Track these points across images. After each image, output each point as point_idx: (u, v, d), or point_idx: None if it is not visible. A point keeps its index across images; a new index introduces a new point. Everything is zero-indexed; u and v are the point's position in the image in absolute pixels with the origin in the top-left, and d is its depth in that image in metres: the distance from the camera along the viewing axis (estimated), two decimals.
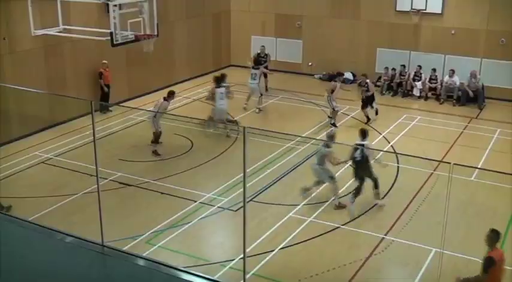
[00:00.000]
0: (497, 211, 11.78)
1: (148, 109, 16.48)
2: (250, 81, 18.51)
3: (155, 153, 14.46)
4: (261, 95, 18.63)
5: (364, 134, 11.87)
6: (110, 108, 17.53)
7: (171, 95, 14.84)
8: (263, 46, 20.61)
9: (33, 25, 14.49)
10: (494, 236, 7.62)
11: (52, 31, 14.92)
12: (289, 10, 22.60)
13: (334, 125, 16.67)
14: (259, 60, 20.20)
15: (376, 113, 17.45)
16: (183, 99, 19.16)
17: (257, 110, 18.38)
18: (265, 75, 20.29)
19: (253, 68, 18.79)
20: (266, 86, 20.42)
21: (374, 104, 17.40)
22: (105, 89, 17.62)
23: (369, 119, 17.16)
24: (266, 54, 20.41)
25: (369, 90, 17.11)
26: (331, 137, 11.92)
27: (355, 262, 9.85)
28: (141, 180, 13.05)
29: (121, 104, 18.30)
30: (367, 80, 17.18)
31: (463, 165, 13.08)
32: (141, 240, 10.48)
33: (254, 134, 14.31)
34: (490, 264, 7.46)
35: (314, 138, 15.86)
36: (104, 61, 17.54)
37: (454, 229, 10.71)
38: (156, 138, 14.55)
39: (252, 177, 12.89)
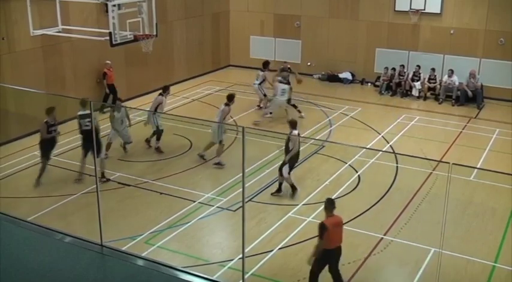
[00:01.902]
0: (496, 211, 11.80)
1: (147, 109, 16.49)
2: (254, 82, 18.23)
3: (158, 150, 14.57)
4: (265, 95, 18.00)
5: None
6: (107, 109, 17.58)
7: (166, 89, 14.91)
8: (285, 62, 19.38)
9: (32, 25, 14.48)
10: (328, 204, 8.60)
11: (51, 31, 14.90)
12: (288, 10, 22.61)
13: (219, 163, 13.80)
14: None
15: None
16: (182, 99, 19.16)
17: (269, 114, 17.57)
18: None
19: (260, 69, 18.23)
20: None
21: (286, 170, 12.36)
22: (107, 90, 17.63)
23: (279, 190, 12.44)
24: (289, 68, 18.93)
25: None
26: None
27: (354, 262, 9.85)
28: (140, 180, 13.05)
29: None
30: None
31: (462, 165, 13.10)
32: (140, 240, 10.48)
33: (253, 134, 14.35)
34: (323, 230, 8.38)
35: (313, 138, 15.87)
36: (108, 61, 17.60)
37: (453, 229, 10.72)
38: (159, 136, 14.64)
39: (250, 177, 12.90)
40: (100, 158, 12.78)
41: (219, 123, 13.68)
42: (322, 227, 8.39)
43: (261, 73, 18.12)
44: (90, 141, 12.54)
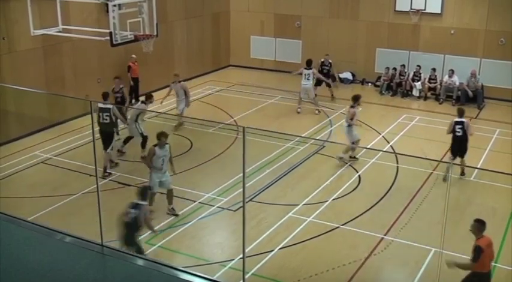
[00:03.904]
0: (496, 211, 11.79)
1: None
2: (303, 82, 17.77)
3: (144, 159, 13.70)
4: (316, 95, 18.11)
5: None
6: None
7: (148, 98, 14.37)
8: (327, 54, 20.03)
9: (32, 25, 14.49)
10: (479, 225, 8.06)
11: (51, 31, 14.91)
12: (288, 10, 22.61)
13: (342, 158, 14.03)
14: (323, 68, 19.63)
15: None
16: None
17: (316, 111, 17.98)
18: (328, 85, 19.38)
19: (305, 68, 17.92)
20: (332, 95, 19.43)
21: None
22: (131, 82, 18.20)
23: None
24: (330, 63, 19.76)
25: None
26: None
27: (354, 262, 9.85)
28: (140, 180, 13.03)
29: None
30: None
31: (462, 165, 13.13)
32: (141, 240, 10.45)
33: (253, 134, 14.33)
34: (479, 253, 7.85)
35: (313, 138, 15.86)
36: (133, 55, 17.90)
37: (453, 229, 10.70)
38: (144, 143, 14.05)
39: (251, 177, 12.90)
40: (108, 153, 13.21)
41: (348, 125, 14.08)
42: (479, 250, 7.87)
43: (308, 72, 17.81)
44: (106, 134, 13.05)
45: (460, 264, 8.16)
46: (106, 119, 13.09)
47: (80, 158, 13.88)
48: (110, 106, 13.13)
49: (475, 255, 7.90)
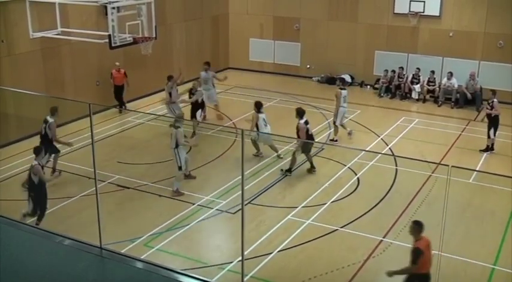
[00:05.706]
0: (495, 213, 11.80)
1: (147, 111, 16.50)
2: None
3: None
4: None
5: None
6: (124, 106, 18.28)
7: (170, 78, 15.89)
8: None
9: (31, 28, 14.51)
10: (418, 227, 8.04)
11: (50, 34, 14.93)
12: (287, 13, 22.63)
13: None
14: None
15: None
16: (180, 102, 19.12)
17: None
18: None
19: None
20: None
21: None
22: (113, 89, 18.03)
23: None
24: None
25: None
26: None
27: (353, 264, 9.85)
28: (139, 182, 13.04)
29: (119, 107, 18.29)
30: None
31: (461, 168, 13.08)
32: (139, 243, 10.47)
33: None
34: (418, 255, 7.83)
35: (312, 141, 15.86)
36: (116, 63, 17.74)
37: (453, 231, 10.72)
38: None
39: (250, 180, 12.89)
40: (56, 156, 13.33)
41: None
42: (418, 252, 7.85)
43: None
44: (41, 142, 12.97)
45: (398, 271, 8.14)
46: (42, 131, 13.09)
47: (78, 161, 13.86)
48: (51, 120, 12.92)
49: (414, 257, 7.88)
